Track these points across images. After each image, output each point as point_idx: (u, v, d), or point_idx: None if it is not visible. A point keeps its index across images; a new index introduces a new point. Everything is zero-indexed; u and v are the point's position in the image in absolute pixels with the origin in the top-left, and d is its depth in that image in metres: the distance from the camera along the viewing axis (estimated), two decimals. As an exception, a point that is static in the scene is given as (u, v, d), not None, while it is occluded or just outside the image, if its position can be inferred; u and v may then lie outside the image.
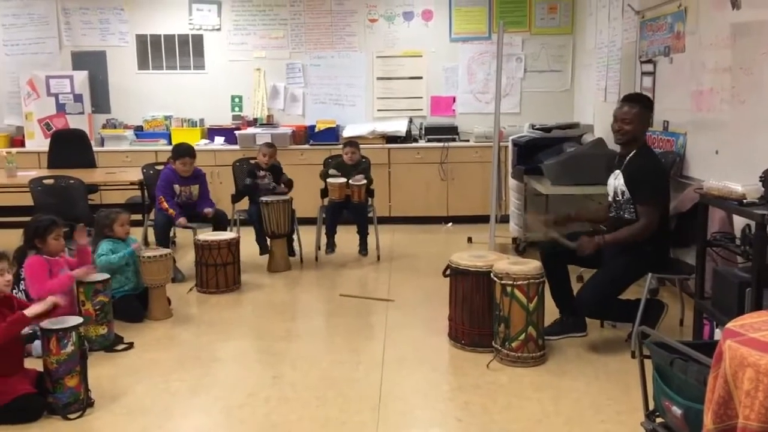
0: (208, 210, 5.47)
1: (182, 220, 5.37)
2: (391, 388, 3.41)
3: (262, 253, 5.77)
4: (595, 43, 6.85)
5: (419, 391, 3.38)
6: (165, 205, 5.37)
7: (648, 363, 2.50)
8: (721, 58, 4.25)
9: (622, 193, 3.80)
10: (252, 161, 6.07)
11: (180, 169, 5.45)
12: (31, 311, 3.15)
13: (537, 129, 6.22)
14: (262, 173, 5.89)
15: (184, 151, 5.52)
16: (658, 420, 2.51)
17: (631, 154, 3.81)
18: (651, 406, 2.54)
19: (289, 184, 6.00)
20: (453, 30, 7.78)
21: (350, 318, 4.51)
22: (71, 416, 3.11)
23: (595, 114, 6.80)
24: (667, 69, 5.07)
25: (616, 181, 3.85)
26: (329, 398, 3.30)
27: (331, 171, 5.93)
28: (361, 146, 6.22)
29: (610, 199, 3.94)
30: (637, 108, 3.78)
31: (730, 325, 2.00)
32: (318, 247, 5.99)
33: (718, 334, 3.38)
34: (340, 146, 6.36)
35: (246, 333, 4.34)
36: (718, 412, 1.89)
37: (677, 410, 2.26)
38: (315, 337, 4.25)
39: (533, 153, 5.93)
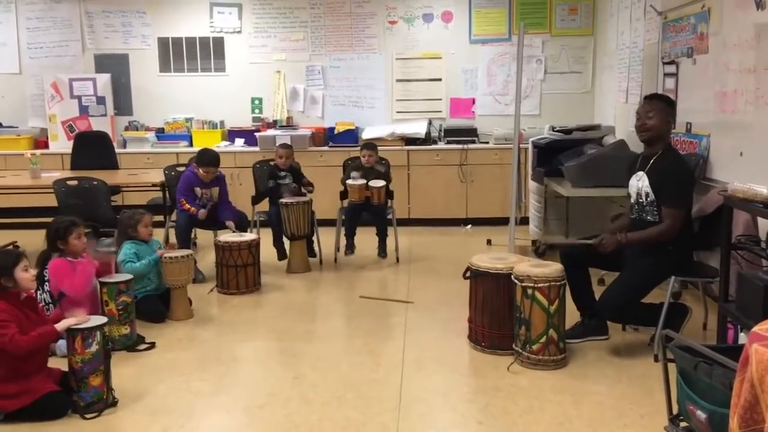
0: (229, 223, 5.48)
1: (202, 211, 5.38)
2: (411, 390, 3.41)
3: (280, 258, 5.78)
4: (616, 44, 6.81)
5: (439, 393, 3.38)
6: (187, 206, 5.41)
7: (671, 367, 2.48)
8: (746, 58, 4.21)
9: (646, 195, 3.76)
10: (271, 163, 6.10)
11: (202, 176, 5.48)
12: (61, 325, 3.18)
13: (557, 131, 6.19)
14: (282, 173, 5.92)
15: (210, 160, 5.48)
16: (682, 424, 2.49)
17: (656, 156, 3.77)
18: (675, 410, 2.52)
19: (310, 186, 6.00)
20: (473, 32, 7.77)
21: (369, 319, 4.52)
22: (88, 416, 3.13)
23: (617, 116, 6.75)
24: (690, 70, 5.02)
25: (640, 183, 3.81)
26: (349, 399, 3.31)
27: (353, 174, 5.92)
28: (380, 148, 6.22)
29: (632, 201, 3.90)
30: (660, 104, 3.75)
31: (756, 328, 1.98)
32: (337, 249, 6.01)
33: (742, 337, 3.35)
34: (359, 148, 6.37)
35: (266, 334, 4.36)
36: (744, 416, 1.87)
37: (702, 414, 2.24)
38: (334, 339, 4.26)
39: (553, 155, 5.91)
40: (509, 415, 3.12)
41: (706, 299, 4.25)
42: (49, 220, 4.20)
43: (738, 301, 3.29)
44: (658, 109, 3.73)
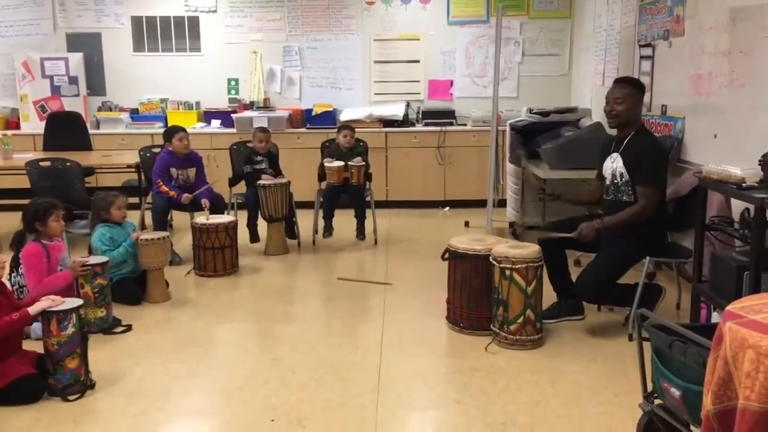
0: (204, 201, 5.43)
1: (186, 195, 5.34)
2: (390, 371, 3.42)
3: (252, 241, 5.75)
4: (593, 26, 6.83)
5: (418, 374, 3.40)
6: (164, 188, 5.35)
7: (646, 345, 2.52)
8: (721, 41, 4.25)
9: (621, 176, 3.80)
10: (249, 145, 6.04)
11: (178, 147, 5.42)
12: (34, 309, 3.14)
13: (535, 113, 6.20)
14: (259, 158, 5.85)
15: (175, 128, 5.58)
16: (656, 401, 2.53)
17: (629, 137, 3.81)
18: (649, 388, 2.56)
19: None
20: (451, 13, 7.74)
21: (348, 301, 4.52)
22: (71, 397, 3.12)
23: (593, 98, 6.79)
24: (666, 53, 5.06)
25: (615, 164, 3.85)
26: (328, 381, 3.32)
27: (326, 161, 5.88)
28: (358, 130, 6.19)
29: (607, 182, 3.93)
30: (628, 89, 3.79)
31: (730, 307, 2.01)
32: (315, 231, 6.00)
33: (715, 317, 3.41)
34: (336, 130, 6.33)
35: (244, 316, 4.35)
36: (717, 393, 1.90)
37: (676, 392, 2.28)
38: (313, 320, 4.25)
39: (531, 137, 5.93)
40: (487, 395, 3.15)
41: (679, 279, 4.32)
42: (22, 202, 4.13)
43: (711, 281, 3.35)
44: (626, 95, 3.77)
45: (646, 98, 5.31)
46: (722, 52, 4.23)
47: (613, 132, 4.04)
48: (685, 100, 4.74)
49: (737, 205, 3.64)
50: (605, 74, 6.36)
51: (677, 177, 4.37)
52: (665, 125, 5.03)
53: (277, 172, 5.90)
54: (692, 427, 2.33)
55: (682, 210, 4.08)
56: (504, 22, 6.63)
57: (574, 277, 3.95)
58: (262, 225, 5.74)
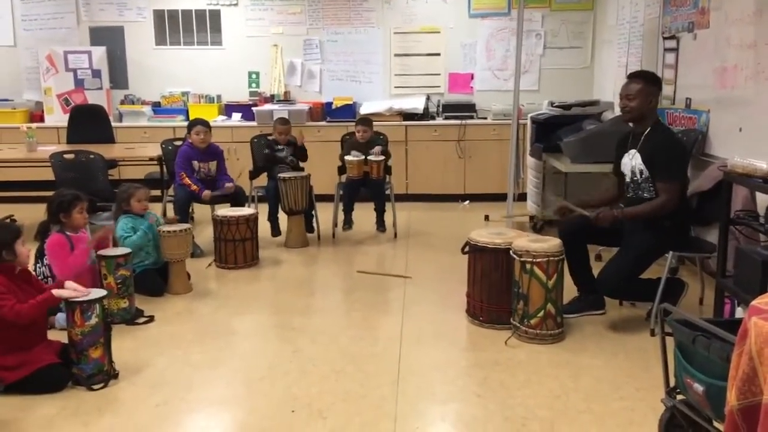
0: (229, 185, 5.48)
1: (207, 192, 5.39)
2: (410, 363, 3.43)
3: (273, 234, 5.78)
4: (616, 18, 6.76)
5: (438, 367, 3.40)
6: (187, 180, 5.40)
7: (669, 340, 2.50)
8: (746, 34, 4.18)
9: (641, 172, 3.76)
10: (270, 137, 6.06)
11: (196, 140, 5.47)
12: (59, 292, 3.19)
13: (556, 106, 6.16)
14: (280, 147, 5.89)
15: (195, 121, 5.64)
16: (679, 397, 2.51)
17: (646, 132, 3.76)
18: (672, 383, 2.54)
19: (303, 154, 5.98)
20: (472, 6, 7.70)
21: (368, 294, 4.53)
22: (95, 387, 3.16)
23: (616, 91, 6.69)
24: (690, 45, 4.99)
25: (633, 161, 3.80)
26: (348, 372, 3.33)
27: (347, 157, 5.87)
28: (378, 123, 6.18)
29: (627, 179, 3.89)
30: (641, 84, 3.73)
31: (755, 302, 1.99)
32: (335, 224, 6.01)
33: (739, 312, 3.37)
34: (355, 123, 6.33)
35: (264, 308, 4.38)
36: (742, 388, 1.88)
37: (699, 387, 2.26)
38: (333, 313, 4.27)
39: (552, 131, 5.89)
40: (507, 389, 3.14)
41: (702, 274, 4.27)
42: (46, 193, 4.18)
43: (736, 276, 3.30)
44: (638, 90, 3.71)
45: (670, 91, 5.26)
46: (748, 45, 4.17)
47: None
48: (709, 93, 4.68)
49: (762, 199, 3.60)
50: (628, 67, 6.29)
51: (701, 171, 4.32)
52: (689, 118, 4.97)
53: (298, 157, 5.91)
54: (715, 423, 2.31)
55: (705, 204, 4.04)
56: (525, 14, 6.56)
57: (595, 272, 3.92)
58: (282, 218, 5.77)
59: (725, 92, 4.47)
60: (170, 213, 5.67)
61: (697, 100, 4.89)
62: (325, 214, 6.03)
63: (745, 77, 4.21)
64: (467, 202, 7.40)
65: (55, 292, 3.18)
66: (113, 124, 7.20)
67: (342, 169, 5.97)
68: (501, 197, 6.24)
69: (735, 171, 3.34)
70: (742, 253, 3.23)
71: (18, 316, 3.05)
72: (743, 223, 3.47)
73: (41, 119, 7.68)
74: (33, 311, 3.11)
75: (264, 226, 5.56)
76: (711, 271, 4.18)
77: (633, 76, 3.84)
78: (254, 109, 7.50)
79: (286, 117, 6.33)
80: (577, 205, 3.90)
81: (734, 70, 4.34)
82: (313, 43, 7.85)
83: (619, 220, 3.71)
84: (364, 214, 5.99)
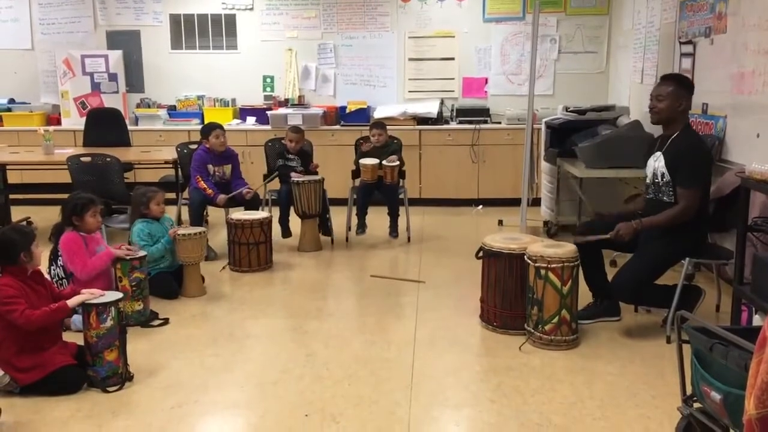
0: (247, 190, 5.51)
1: (222, 197, 5.42)
2: (423, 368, 3.42)
3: (284, 236, 5.79)
4: (632, 23, 6.73)
5: (451, 372, 3.39)
6: (203, 184, 5.42)
7: (686, 347, 2.47)
8: (764, 39, 4.15)
9: (662, 176, 3.72)
10: (283, 142, 6.08)
11: (215, 144, 5.51)
12: (73, 301, 3.21)
13: (571, 111, 6.13)
14: (291, 156, 5.90)
15: (212, 125, 5.67)
16: (696, 405, 2.49)
17: (673, 136, 3.72)
18: (688, 391, 2.52)
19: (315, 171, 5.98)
20: (486, 10, 7.69)
21: (381, 298, 4.53)
22: (110, 389, 3.18)
23: (631, 96, 6.69)
24: (707, 50, 4.96)
25: (657, 163, 3.77)
26: (362, 377, 3.33)
27: (361, 161, 5.87)
28: (392, 127, 6.18)
29: (648, 181, 3.87)
30: (671, 87, 3.69)
31: (774, 310, 1.97)
32: (348, 228, 6.01)
33: (756, 320, 3.34)
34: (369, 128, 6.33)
35: (278, 311, 4.38)
36: (761, 397, 1.86)
37: (716, 395, 2.24)
38: (346, 317, 4.27)
39: (567, 135, 5.86)
40: (521, 395, 3.13)
41: (719, 281, 4.23)
42: (63, 196, 4.21)
43: (754, 283, 3.28)
44: (669, 93, 3.68)
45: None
46: (765, 50, 4.14)
47: (652, 130, 3.97)
48: (726, 99, 4.64)
49: (781, 206, 3.57)
50: (644, 72, 6.26)
51: (718, 177, 4.28)
52: (706, 124, 4.94)
53: (307, 169, 5.91)
54: (732, 432, 2.29)
55: (722, 210, 4.01)
56: (540, 19, 6.55)
57: (609, 278, 3.89)
58: (293, 221, 5.78)
59: (742, 98, 4.44)
60: (185, 216, 5.71)
61: (714, 106, 4.86)
62: (338, 218, 6.03)
63: (763, 83, 4.17)
64: (481, 206, 7.38)
65: (70, 302, 3.20)
66: (129, 127, 7.25)
67: (356, 173, 5.97)
68: (515, 202, 6.22)
69: (753, 177, 3.32)
70: (759, 260, 3.21)
71: (28, 322, 3.06)
72: (761, 230, 3.44)
73: (58, 122, 7.75)
74: (44, 319, 3.11)
75: (278, 230, 5.57)
76: (727, 277, 4.14)
77: (665, 78, 3.81)
78: (268, 113, 7.52)
79: (300, 123, 6.34)
80: (593, 219, 3.85)
81: (751, 75, 4.31)
82: (327, 47, 7.87)
83: (639, 232, 3.67)
84: (377, 218, 5.99)
